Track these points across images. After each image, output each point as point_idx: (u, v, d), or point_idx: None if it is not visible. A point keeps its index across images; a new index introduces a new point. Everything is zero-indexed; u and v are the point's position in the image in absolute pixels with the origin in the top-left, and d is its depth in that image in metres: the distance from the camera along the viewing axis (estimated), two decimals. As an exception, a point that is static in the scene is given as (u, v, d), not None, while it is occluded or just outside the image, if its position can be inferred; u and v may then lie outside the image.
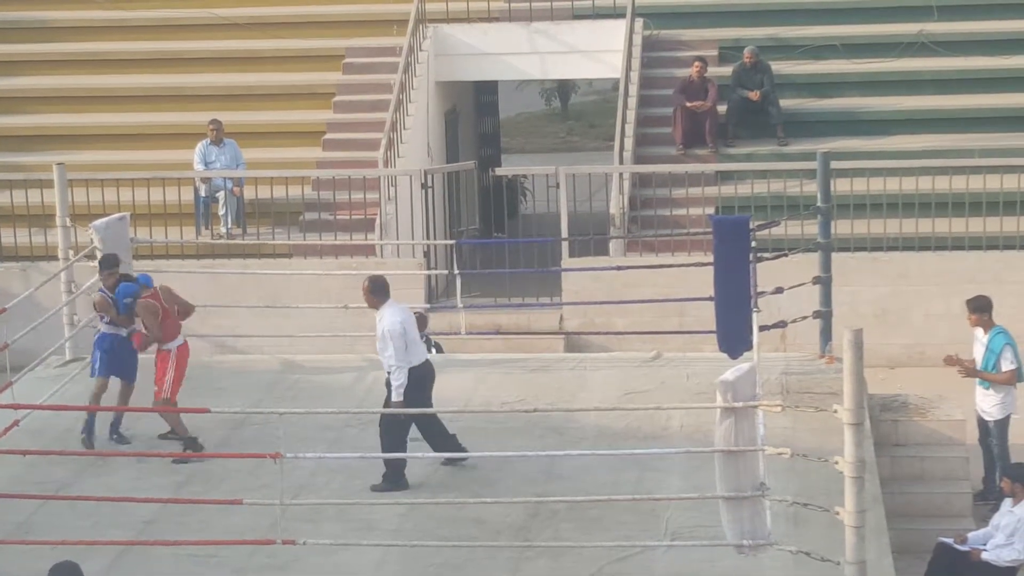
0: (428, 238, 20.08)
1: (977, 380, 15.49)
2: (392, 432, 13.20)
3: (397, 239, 19.94)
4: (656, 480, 13.13)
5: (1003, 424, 15.47)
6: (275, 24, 23.94)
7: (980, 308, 15.53)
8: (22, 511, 12.81)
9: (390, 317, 13.18)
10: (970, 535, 13.85)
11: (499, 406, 14.90)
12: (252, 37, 23.77)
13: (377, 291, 13.36)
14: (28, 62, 23.72)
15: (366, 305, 13.59)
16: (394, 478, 13.17)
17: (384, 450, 13.12)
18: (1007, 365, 15.29)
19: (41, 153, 21.67)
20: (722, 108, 21.66)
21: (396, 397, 13.16)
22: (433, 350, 17.37)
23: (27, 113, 23.02)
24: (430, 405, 13.29)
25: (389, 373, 13.24)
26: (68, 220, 16.65)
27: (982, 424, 15.61)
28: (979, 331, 15.54)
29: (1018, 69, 22.20)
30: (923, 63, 22.48)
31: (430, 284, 20.05)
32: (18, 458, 13.08)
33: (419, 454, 13.57)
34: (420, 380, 13.27)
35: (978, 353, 15.48)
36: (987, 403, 15.47)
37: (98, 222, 16.03)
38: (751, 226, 15.20)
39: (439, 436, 13.41)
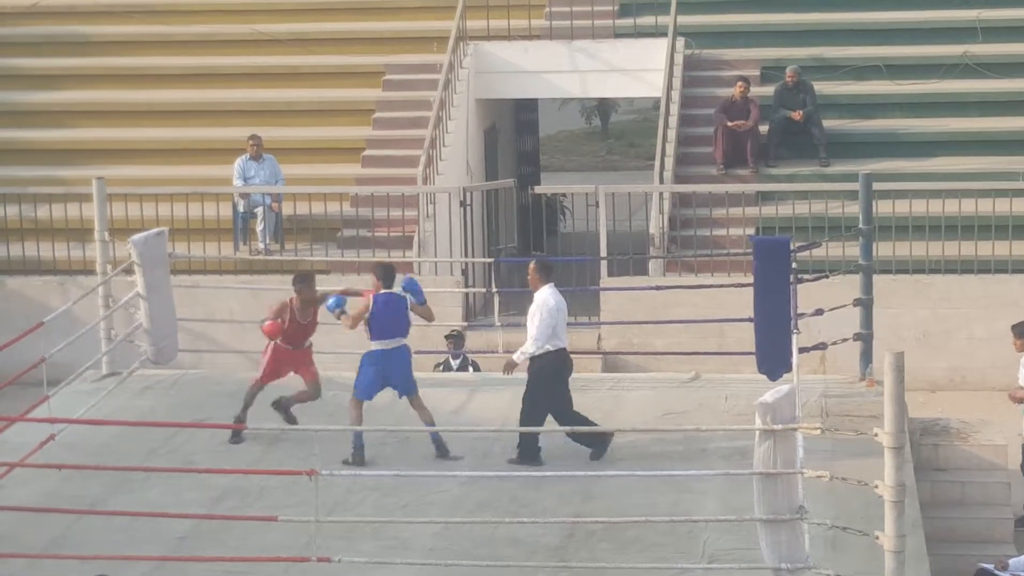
0: (466, 256, 20.03)
1: (1022, 405, 15.35)
2: (534, 411, 13.84)
3: (435, 257, 19.90)
4: (693, 502, 13.03)
5: (1047, 450, 15.35)
6: (315, 40, 23.97)
7: (1025, 333, 15.41)
8: (57, 526, 12.78)
9: (548, 295, 13.99)
10: (1011, 561, 13.71)
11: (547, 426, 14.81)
12: (292, 53, 23.81)
13: (543, 272, 14.18)
14: (69, 76, 23.80)
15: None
16: (529, 453, 13.79)
17: (522, 423, 13.83)
18: (1051, 390, 15.17)
19: (81, 167, 21.71)
20: (763, 128, 21.56)
21: (517, 358, 14.05)
22: (470, 368, 17.35)
23: (67, 127, 23.08)
24: (568, 393, 14.08)
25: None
26: (107, 234, 16.66)
27: (1025, 450, 15.49)
28: (1024, 357, 15.42)
29: (1063, 91, 22.07)
30: (967, 85, 22.35)
31: (468, 302, 20.00)
32: (54, 472, 13.07)
33: (456, 472, 13.51)
34: (560, 366, 14.05)
35: (1023, 378, 15.35)
36: (1032, 428, 15.35)
37: (136, 237, 16.03)
38: (792, 247, 15.11)
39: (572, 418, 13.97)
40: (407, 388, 14.34)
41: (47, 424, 13.82)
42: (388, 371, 14.29)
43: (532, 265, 14.31)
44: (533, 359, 14.03)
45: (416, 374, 14.57)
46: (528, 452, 13.86)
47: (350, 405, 14.33)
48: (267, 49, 23.91)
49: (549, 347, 13.95)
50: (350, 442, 13.99)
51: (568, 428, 13.71)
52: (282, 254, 20.45)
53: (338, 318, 14.44)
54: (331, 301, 14.46)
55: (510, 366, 14.20)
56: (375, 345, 14.31)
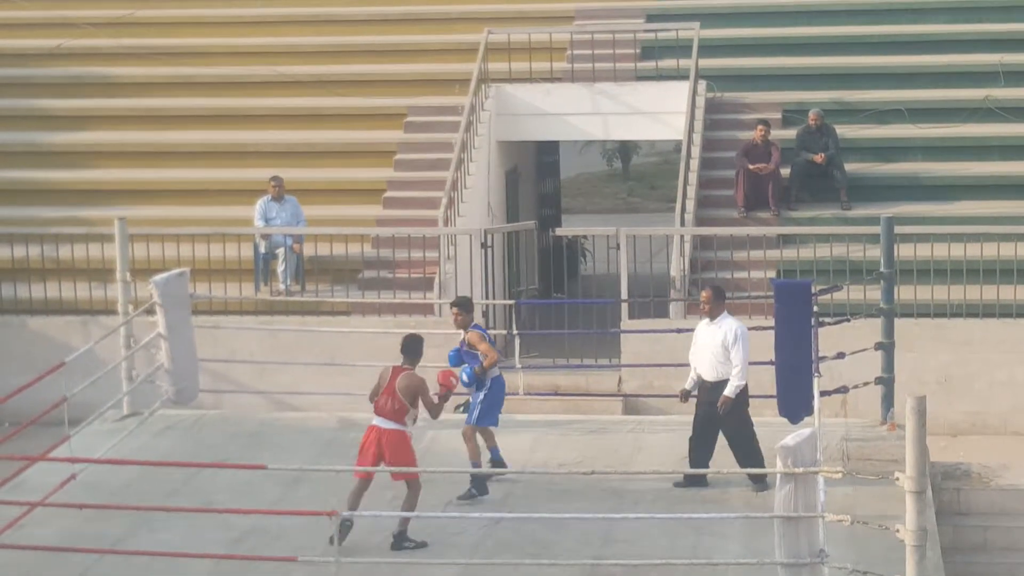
0: (487, 298, 20.04)
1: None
2: (748, 438, 14.34)
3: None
4: (714, 545, 13.00)
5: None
6: (337, 82, 24.05)
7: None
8: (78, 565, 12.80)
9: (737, 323, 14.56)
10: (1033, 606, 13.65)
11: (556, 467, 14.81)
12: (314, 95, 23.89)
13: (721, 297, 14.61)
14: (91, 117, 23.90)
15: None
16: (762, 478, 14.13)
17: (747, 452, 14.23)
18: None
19: (103, 207, 21.79)
20: (785, 171, 21.56)
21: (731, 393, 14.31)
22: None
23: (90, 168, 23.17)
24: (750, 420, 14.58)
25: (716, 383, 14.40)
26: (128, 275, 16.72)
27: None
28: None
29: (1085, 136, 22.04)
30: (989, 128, 22.34)
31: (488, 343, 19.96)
32: (75, 512, 13.09)
33: (477, 514, 13.49)
34: (745, 396, 14.51)
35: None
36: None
37: (158, 277, 16.09)
38: (813, 290, 15.11)
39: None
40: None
41: (68, 464, 13.86)
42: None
43: (707, 293, 14.66)
44: (723, 385, 14.39)
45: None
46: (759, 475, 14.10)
47: (469, 433, 14.47)
48: (289, 91, 24.00)
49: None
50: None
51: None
52: (303, 295, 20.47)
53: (481, 374, 14.51)
54: (465, 377, 14.45)
55: (727, 403, 14.38)
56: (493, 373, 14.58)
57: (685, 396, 14.78)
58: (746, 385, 14.50)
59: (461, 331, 14.74)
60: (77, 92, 24.34)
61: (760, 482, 14.22)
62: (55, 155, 23.31)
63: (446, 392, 13.93)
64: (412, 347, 13.81)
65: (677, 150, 25.52)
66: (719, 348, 14.44)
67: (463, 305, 14.86)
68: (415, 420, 13.47)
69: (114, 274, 16.87)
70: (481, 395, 14.54)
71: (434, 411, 13.73)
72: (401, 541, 13.23)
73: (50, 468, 14.03)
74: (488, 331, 15.15)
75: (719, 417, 14.43)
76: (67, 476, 14.07)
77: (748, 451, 14.31)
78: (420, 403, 13.47)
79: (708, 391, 14.53)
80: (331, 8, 25.52)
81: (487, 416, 14.53)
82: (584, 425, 16.50)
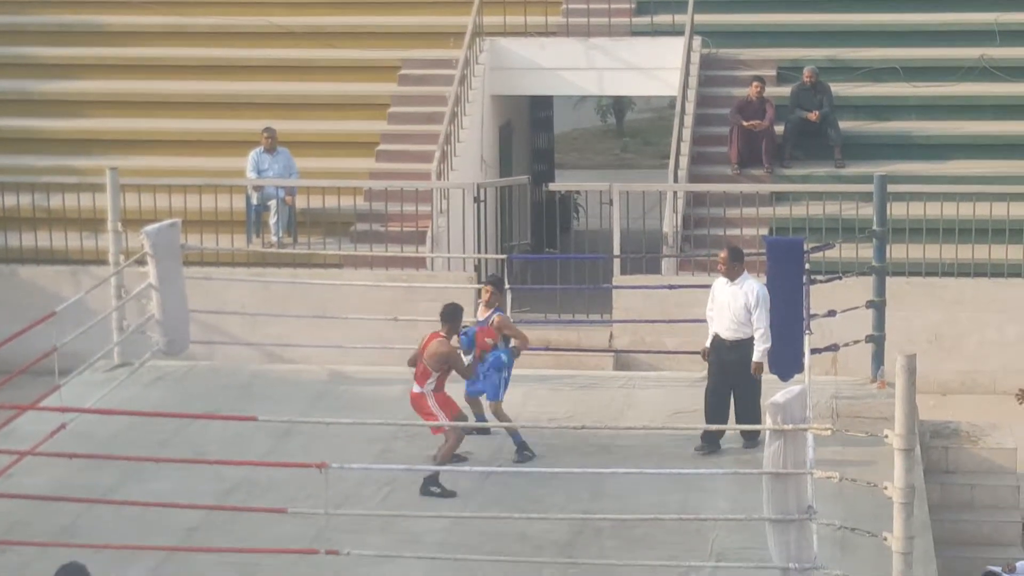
0: (479, 252, 20.03)
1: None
2: (755, 395, 14.24)
3: (448, 252, 19.90)
4: (703, 500, 13.04)
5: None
6: (332, 34, 23.97)
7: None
8: (68, 514, 12.82)
9: (759, 284, 14.36)
10: (1019, 564, 13.68)
11: (547, 422, 14.84)
12: (308, 46, 23.81)
13: (740, 258, 14.38)
14: (83, 66, 23.81)
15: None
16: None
17: (753, 404, 14.17)
18: (1063, 394, 15.17)
19: (94, 157, 21.72)
20: (779, 128, 21.54)
21: (759, 358, 14.21)
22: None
23: (81, 117, 23.10)
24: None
25: (735, 343, 14.25)
26: (119, 225, 16.68)
27: (1035, 453, 15.46)
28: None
29: (1080, 96, 22.02)
30: (984, 88, 22.31)
31: (480, 298, 19.97)
32: (64, 461, 13.08)
33: (467, 468, 13.52)
34: None
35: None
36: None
37: (149, 228, 16.06)
38: (805, 248, 15.11)
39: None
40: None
41: (58, 413, 13.86)
42: None
43: (724, 253, 14.45)
44: (743, 344, 14.24)
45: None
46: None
47: (500, 408, 14.32)
48: (283, 42, 23.91)
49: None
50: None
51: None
52: (295, 247, 20.44)
53: (517, 354, 14.48)
54: (505, 357, 14.36)
55: (759, 369, 14.30)
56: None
57: (706, 355, 14.60)
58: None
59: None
60: (69, 40, 24.24)
61: (752, 439, 14.21)
62: (46, 103, 23.23)
63: (481, 354, 14.11)
64: (449, 315, 13.85)
65: (671, 106, 25.45)
66: (741, 309, 14.24)
67: (497, 284, 14.77)
68: (437, 385, 13.62)
69: (105, 224, 16.84)
70: (506, 372, 14.43)
71: (466, 372, 13.96)
72: (428, 485, 13.30)
73: (40, 417, 14.04)
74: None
75: (735, 376, 14.30)
76: (57, 426, 14.08)
77: (752, 410, 14.23)
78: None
79: (727, 350, 14.35)
80: (326, -41, 25.43)
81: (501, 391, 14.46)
82: (575, 380, 16.51)
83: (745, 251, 18.31)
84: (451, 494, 13.32)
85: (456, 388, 14.20)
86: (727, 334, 14.36)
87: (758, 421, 13.91)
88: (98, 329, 15.58)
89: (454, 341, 13.86)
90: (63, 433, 14.00)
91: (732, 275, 14.35)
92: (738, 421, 14.27)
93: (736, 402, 14.36)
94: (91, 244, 19.83)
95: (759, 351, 14.24)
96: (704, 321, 14.72)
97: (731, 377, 14.36)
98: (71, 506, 12.73)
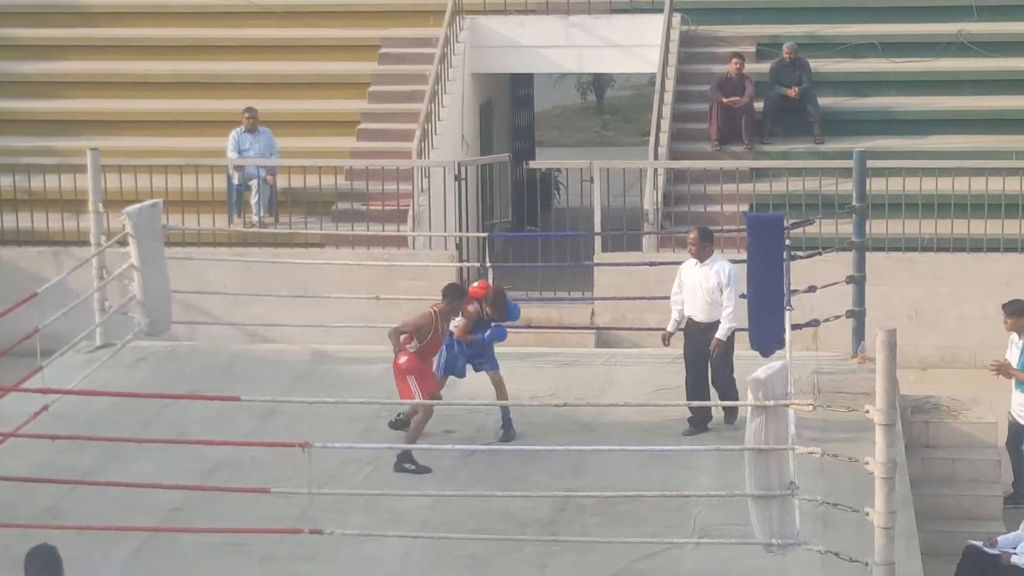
0: (461, 230, 20.04)
1: (1014, 383, 15.36)
2: (729, 372, 14.20)
3: (430, 230, 19.91)
4: (685, 477, 13.08)
5: (1038, 428, 15.38)
6: (311, 13, 23.94)
7: (1017, 312, 15.38)
8: (50, 496, 12.81)
9: (729, 264, 14.28)
10: (1000, 538, 13.74)
11: (528, 400, 14.85)
12: (288, 25, 23.78)
13: (709, 239, 14.31)
14: (63, 47, 23.76)
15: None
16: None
17: (727, 380, 14.14)
18: (1041, 368, 15.20)
19: (75, 138, 21.71)
20: (758, 105, 21.57)
21: (723, 336, 14.13)
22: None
23: (61, 98, 23.06)
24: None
25: (710, 324, 14.16)
26: (101, 206, 16.65)
27: (1015, 427, 15.49)
28: (1015, 335, 15.41)
29: (1058, 71, 22.08)
30: (962, 63, 22.36)
31: (462, 276, 19.96)
32: (47, 443, 13.09)
33: (450, 446, 13.54)
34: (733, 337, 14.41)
35: (1013, 357, 15.35)
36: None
37: (131, 208, 16.03)
38: (785, 224, 15.13)
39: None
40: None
41: (40, 395, 13.82)
42: None
43: (694, 234, 14.33)
44: (717, 326, 14.19)
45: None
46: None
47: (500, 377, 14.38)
48: (263, 21, 23.88)
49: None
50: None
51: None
52: (276, 227, 20.45)
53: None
54: (498, 333, 14.36)
55: (720, 346, 14.16)
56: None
57: (667, 339, 14.55)
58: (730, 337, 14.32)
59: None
60: (49, 21, 24.19)
61: (732, 416, 14.25)
62: (27, 84, 23.19)
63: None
64: (449, 293, 13.99)
65: (651, 83, 25.50)
66: (714, 290, 14.14)
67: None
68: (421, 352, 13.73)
69: (86, 205, 16.81)
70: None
71: (395, 346, 13.72)
72: (402, 462, 13.34)
73: (22, 399, 14.00)
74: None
75: (709, 357, 14.25)
76: (39, 407, 14.05)
77: (728, 387, 14.24)
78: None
79: (701, 332, 14.24)
80: (304, -62, 25.37)
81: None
82: (556, 358, 16.53)
83: (726, 227, 18.42)
84: (426, 470, 13.35)
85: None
86: (701, 316, 14.27)
87: (735, 397, 13.92)
88: (80, 310, 15.56)
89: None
90: (45, 415, 13.98)
91: (702, 256, 14.25)
92: (721, 397, 14.25)
93: (714, 385, 14.34)
94: (72, 225, 19.81)
95: (723, 329, 14.15)
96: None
97: (706, 358, 14.29)
98: (53, 487, 12.72)
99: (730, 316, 14.17)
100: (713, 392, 14.31)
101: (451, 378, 14.48)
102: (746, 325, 15.03)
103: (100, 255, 16.29)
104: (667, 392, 15.05)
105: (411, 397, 13.54)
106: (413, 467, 13.36)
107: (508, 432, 14.08)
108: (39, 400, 14.01)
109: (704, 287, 14.22)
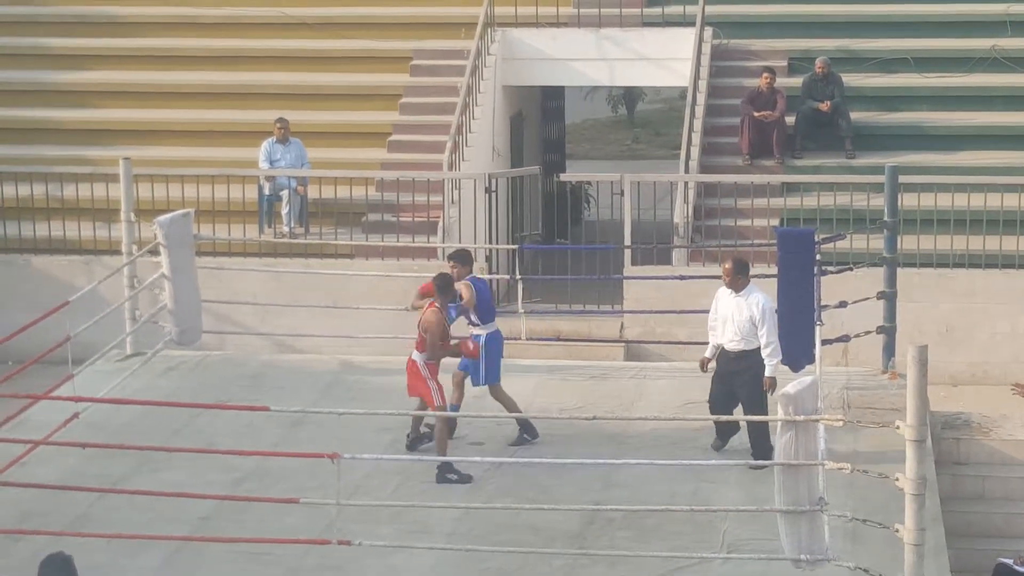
0: (491, 242, 20.04)
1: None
2: (763, 408, 13.72)
3: (460, 243, 19.91)
4: (714, 491, 13.06)
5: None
6: (344, 25, 23.98)
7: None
8: (80, 504, 12.87)
9: (764, 296, 13.97)
10: (1030, 555, 13.73)
11: (558, 412, 14.86)
12: (321, 37, 23.83)
13: (744, 270, 14.01)
14: (96, 56, 23.84)
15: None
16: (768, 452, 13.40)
17: (759, 430, 13.67)
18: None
19: (107, 147, 21.78)
20: (790, 119, 21.53)
21: (771, 373, 13.82)
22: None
23: (94, 107, 23.14)
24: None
25: (740, 354, 13.93)
26: (132, 215, 16.73)
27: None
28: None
29: (1091, 87, 22.00)
30: (995, 79, 22.28)
31: (491, 288, 19.99)
32: (77, 451, 13.14)
33: (478, 458, 13.55)
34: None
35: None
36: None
37: (162, 218, 16.09)
38: (816, 239, 15.11)
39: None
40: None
41: (71, 403, 13.90)
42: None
43: (729, 264, 14.05)
44: (748, 356, 13.90)
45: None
46: (767, 449, 13.57)
47: (501, 391, 14.37)
48: (296, 32, 23.94)
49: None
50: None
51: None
52: (306, 237, 20.47)
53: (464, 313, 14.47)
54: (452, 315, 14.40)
55: (771, 385, 13.81)
56: (483, 329, 14.39)
57: (705, 365, 14.38)
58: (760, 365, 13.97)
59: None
60: (82, 31, 24.28)
61: (762, 452, 13.77)
62: (60, 94, 23.28)
63: (456, 351, 14.15)
64: (440, 286, 14.07)
65: (682, 97, 25.48)
66: (745, 322, 13.94)
67: (458, 258, 14.80)
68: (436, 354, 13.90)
69: (118, 214, 16.88)
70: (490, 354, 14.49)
71: (431, 350, 13.89)
72: (444, 473, 13.37)
73: (53, 407, 14.08)
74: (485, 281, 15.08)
75: (740, 388, 14.02)
76: (70, 415, 14.12)
77: (759, 425, 13.86)
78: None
79: (731, 360, 14.09)
80: (338, -50, 25.44)
81: (492, 374, 14.47)
82: (586, 371, 16.54)
83: (756, 242, 18.38)
84: (467, 479, 13.39)
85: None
86: (731, 345, 14.08)
87: (766, 438, 13.64)
88: (111, 319, 15.63)
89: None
90: (76, 422, 14.05)
91: (736, 287, 14.05)
92: (750, 436, 13.97)
93: (745, 414, 14.03)
94: (104, 234, 19.88)
95: (770, 366, 13.91)
96: (707, 312, 14.65)
97: (734, 388, 14.05)
98: (84, 495, 12.78)
99: (773, 352, 13.93)
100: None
101: (479, 389, 14.50)
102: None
103: (131, 264, 16.36)
104: (696, 406, 15.02)
105: (434, 398, 13.61)
106: (456, 476, 13.40)
107: (522, 437, 14.13)
108: (70, 408, 14.08)
109: (736, 319, 14.01)
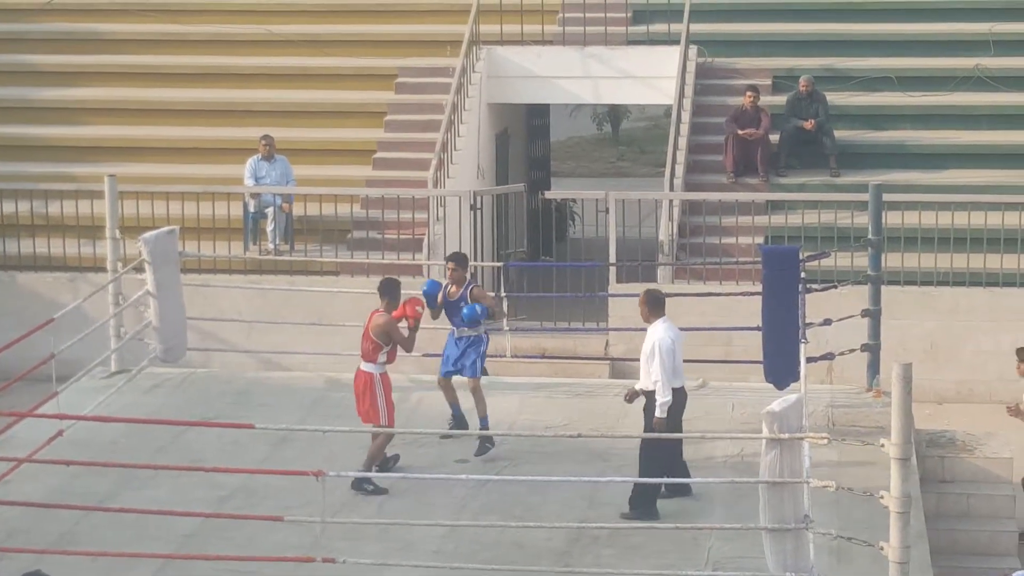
0: (476, 260, 20.04)
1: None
2: (657, 458, 13.03)
3: (445, 260, 19.90)
4: (699, 509, 13.07)
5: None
6: (329, 42, 24.01)
7: (1030, 357, 15.47)
8: (65, 522, 12.84)
9: (664, 332, 13.27)
10: (1015, 574, 13.69)
11: (543, 430, 14.86)
12: (306, 55, 23.85)
13: (653, 304, 13.49)
14: (83, 73, 23.84)
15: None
16: (646, 506, 12.98)
17: (642, 475, 13.01)
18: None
19: (93, 164, 21.77)
20: (774, 137, 21.59)
21: (660, 414, 13.15)
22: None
23: (80, 124, 23.13)
24: (680, 431, 13.24)
25: (643, 392, 13.34)
26: (118, 232, 16.71)
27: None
28: (1028, 380, 15.50)
29: (1074, 106, 22.08)
30: (978, 97, 22.37)
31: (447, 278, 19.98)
32: (62, 468, 13.12)
33: (463, 476, 13.55)
34: (682, 405, 13.35)
35: (1028, 397, 15.44)
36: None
37: (147, 235, 16.08)
38: (800, 256, 15.13)
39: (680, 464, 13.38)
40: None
41: (56, 420, 13.87)
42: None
43: (641, 297, 13.61)
44: (650, 394, 13.24)
45: (423, 377, 14.63)
46: (646, 504, 13.04)
47: (476, 385, 14.39)
48: (281, 50, 23.96)
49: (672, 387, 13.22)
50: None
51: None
52: (291, 254, 20.48)
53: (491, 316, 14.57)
54: (469, 312, 14.37)
55: (660, 424, 13.10)
56: (470, 330, 14.53)
57: (630, 397, 13.64)
58: (673, 402, 13.16)
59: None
60: (68, 48, 24.28)
61: (635, 511, 13.06)
62: (45, 111, 23.27)
63: (415, 323, 14.07)
64: (386, 289, 14.07)
65: (667, 115, 25.53)
66: (649, 356, 13.24)
67: (457, 260, 14.85)
68: (388, 359, 13.92)
69: (103, 231, 16.86)
70: (482, 348, 14.57)
71: (406, 344, 13.98)
72: (361, 482, 13.35)
73: (37, 424, 14.05)
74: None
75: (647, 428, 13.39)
76: (54, 432, 14.09)
77: (648, 469, 13.03)
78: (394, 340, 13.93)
79: (646, 398, 13.42)
80: (323, -33, 25.47)
81: (479, 368, 14.56)
82: (571, 388, 16.54)
83: (741, 259, 18.38)
84: (383, 491, 13.46)
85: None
86: (640, 382, 13.48)
87: (646, 492, 12.92)
88: (96, 336, 15.60)
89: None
90: (60, 440, 14.02)
91: (646, 318, 13.48)
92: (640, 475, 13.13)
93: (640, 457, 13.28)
94: (89, 251, 19.86)
95: (658, 405, 13.13)
96: (695, 330, 14.62)
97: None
98: (69, 513, 12.75)
99: (660, 390, 13.12)
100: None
101: (470, 407, 14.51)
102: (759, 358, 15.04)
103: (116, 281, 16.34)
104: (682, 424, 15.01)
105: (382, 419, 13.70)
106: (372, 488, 13.42)
107: (484, 446, 14.15)
108: (54, 425, 14.05)
109: (644, 351, 13.44)
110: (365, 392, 13.89)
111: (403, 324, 14.08)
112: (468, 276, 14.85)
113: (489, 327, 15.06)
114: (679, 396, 13.30)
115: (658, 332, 13.30)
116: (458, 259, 14.95)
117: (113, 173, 17.46)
